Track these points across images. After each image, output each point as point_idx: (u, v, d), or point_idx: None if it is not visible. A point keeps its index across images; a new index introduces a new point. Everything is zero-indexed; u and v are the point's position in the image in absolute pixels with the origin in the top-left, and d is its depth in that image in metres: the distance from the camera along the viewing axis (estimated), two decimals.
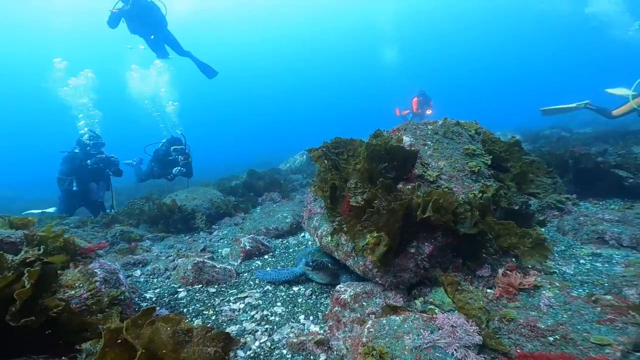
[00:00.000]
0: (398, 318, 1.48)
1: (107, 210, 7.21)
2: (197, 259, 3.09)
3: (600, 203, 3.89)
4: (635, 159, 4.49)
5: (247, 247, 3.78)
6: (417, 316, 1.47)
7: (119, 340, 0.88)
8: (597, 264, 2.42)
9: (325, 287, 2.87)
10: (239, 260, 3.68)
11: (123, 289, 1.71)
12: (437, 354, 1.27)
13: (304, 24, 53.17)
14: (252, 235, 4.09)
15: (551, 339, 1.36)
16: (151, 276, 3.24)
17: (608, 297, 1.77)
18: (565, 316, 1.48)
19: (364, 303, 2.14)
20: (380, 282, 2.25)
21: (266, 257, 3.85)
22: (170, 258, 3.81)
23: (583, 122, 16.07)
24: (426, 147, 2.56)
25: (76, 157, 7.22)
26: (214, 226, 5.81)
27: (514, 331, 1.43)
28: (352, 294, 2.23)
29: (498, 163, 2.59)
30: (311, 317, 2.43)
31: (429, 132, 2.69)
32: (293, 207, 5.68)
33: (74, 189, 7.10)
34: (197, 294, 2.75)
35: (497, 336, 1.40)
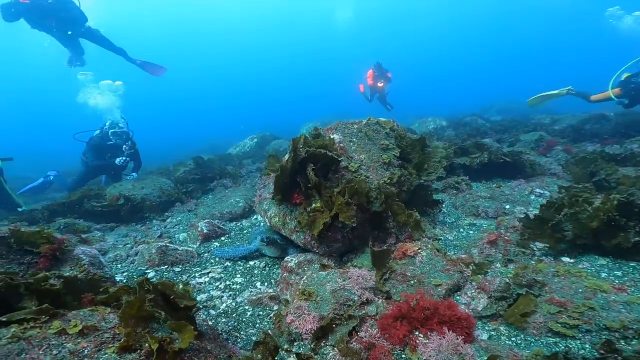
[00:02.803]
0: (324, 273, 2.17)
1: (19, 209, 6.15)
2: (160, 243, 3.46)
3: (488, 183, 5.09)
4: (517, 151, 5.83)
5: (205, 231, 4.20)
6: (336, 271, 2.18)
7: (145, 288, 1.36)
8: (471, 232, 3.42)
9: (276, 260, 3.48)
10: (198, 243, 4.10)
11: (106, 269, 2.09)
12: (346, 293, 1.98)
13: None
14: (208, 220, 4.49)
15: (412, 282, 2.18)
16: (114, 262, 3.52)
17: (463, 255, 2.69)
18: (427, 268, 2.32)
19: (305, 268, 2.81)
20: (317, 251, 2.93)
21: (223, 238, 4.32)
22: (129, 245, 4.06)
23: (499, 110, 18.81)
24: (351, 143, 3.26)
25: None
26: (166, 214, 5.98)
27: (393, 278, 2.23)
28: (296, 262, 2.89)
29: (405, 155, 3.41)
30: (266, 284, 3.04)
31: (355, 131, 3.39)
32: (245, 192, 6.09)
33: None
34: (165, 273, 3.18)
35: (385, 282, 2.17)
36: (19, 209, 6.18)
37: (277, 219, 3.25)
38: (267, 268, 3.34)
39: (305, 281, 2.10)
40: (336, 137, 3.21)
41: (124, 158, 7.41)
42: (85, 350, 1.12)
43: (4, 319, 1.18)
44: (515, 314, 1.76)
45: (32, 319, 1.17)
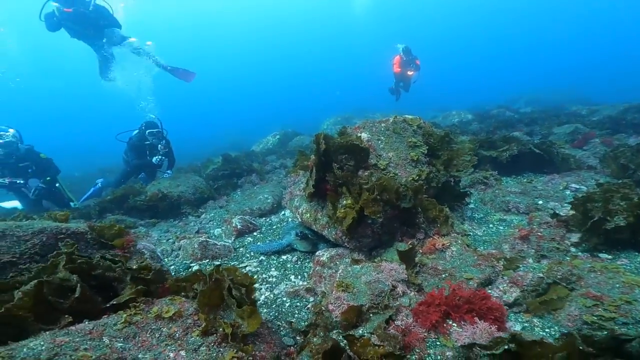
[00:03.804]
0: (358, 266, 2.31)
1: (72, 204, 6.93)
2: (201, 238, 3.73)
3: (518, 177, 4.97)
4: (548, 142, 5.63)
5: (239, 227, 4.45)
6: (369, 264, 2.31)
7: (213, 279, 1.56)
8: (500, 227, 3.41)
9: (307, 254, 3.65)
10: (233, 238, 4.36)
11: (163, 262, 2.35)
12: (380, 285, 2.10)
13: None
14: (241, 216, 4.75)
15: (443, 275, 2.26)
16: (162, 256, 3.84)
17: (493, 250, 2.72)
18: (457, 262, 2.40)
19: (337, 262, 2.95)
20: (348, 246, 3.07)
21: (255, 234, 4.56)
22: (171, 241, 4.39)
23: (528, 101, 17.94)
24: (379, 142, 3.35)
25: None
26: (200, 210, 6.34)
27: (425, 272, 2.32)
28: (328, 256, 3.04)
29: (433, 151, 3.45)
30: (299, 277, 3.22)
31: (382, 129, 3.47)
32: (272, 189, 6.32)
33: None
34: (207, 267, 3.44)
35: (416, 275, 2.27)
36: (72, 204, 6.84)
37: (308, 215, 3.42)
38: (299, 262, 3.52)
39: (342, 274, 2.25)
40: (364, 135, 3.31)
41: (160, 157, 7.94)
42: (177, 334, 1.35)
43: (115, 302, 1.43)
44: (535, 302, 1.81)
45: (133, 306, 1.42)
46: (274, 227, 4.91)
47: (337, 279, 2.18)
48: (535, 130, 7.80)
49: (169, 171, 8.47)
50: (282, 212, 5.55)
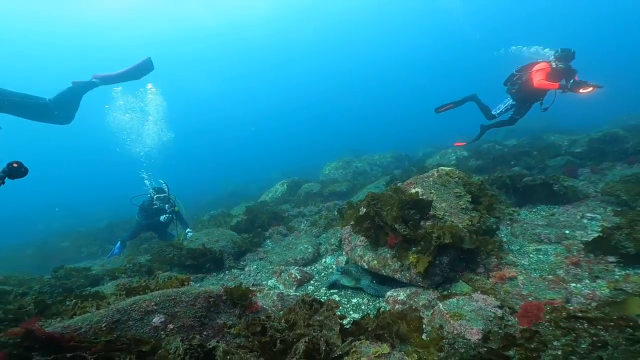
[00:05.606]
0: (454, 299, 2.78)
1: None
2: (275, 290, 4.09)
3: (534, 210, 5.64)
4: (548, 175, 6.42)
5: (298, 277, 4.83)
6: (462, 297, 2.79)
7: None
8: (540, 256, 3.98)
9: (355, 291, 4.10)
10: (294, 287, 4.70)
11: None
12: (484, 311, 2.57)
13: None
14: (297, 267, 5.14)
15: (530, 299, 2.77)
16: None
17: (550, 276, 3.27)
18: (532, 288, 2.92)
19: (415, 299, 3.39)
20: (421, 285, 3.53)
21: (311, 282, 4.92)
22: None
23: (508, 130, 19.41)
24: (432, 194, 3.98)
25: None
26: (241, 263, 6.63)
27: (512, 297, 2.82)
28: (405, 295, 3.48)
29: (474, 198, 4.11)
30: None
31: (431, 183, 4.13)
32: (309, 239, 6.75)
33: None
34: None
35: (506, 299, 2.77)
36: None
37: (375, 262, 3.89)
38: (371, 303, 3.91)
39: (443, 308, 2.70)
40: (419, 190, 3.96)
41: (166, 215, 8.93)
42: None
43: None
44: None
45: None
46: (322, 274, 5.29)
47: (445, 312, 2.63)
48: (532, 164, 8.73)
49: (188, 229, 8.97)
50: (323, 260, 5.94)
